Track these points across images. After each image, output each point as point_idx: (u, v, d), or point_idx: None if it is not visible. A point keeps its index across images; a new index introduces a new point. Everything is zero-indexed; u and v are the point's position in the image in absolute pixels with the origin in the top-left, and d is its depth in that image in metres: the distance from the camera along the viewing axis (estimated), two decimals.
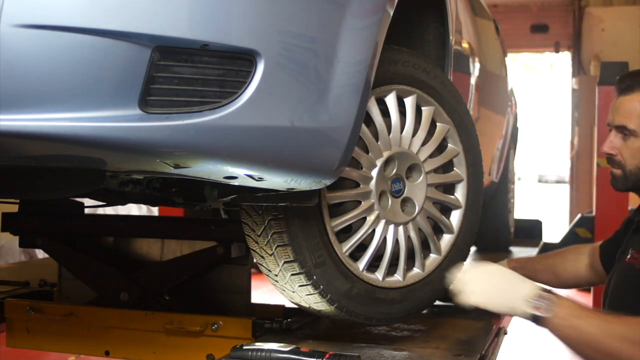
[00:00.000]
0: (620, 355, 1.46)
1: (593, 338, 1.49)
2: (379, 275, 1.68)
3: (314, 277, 1.56)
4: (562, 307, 1.52)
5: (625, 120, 1.89)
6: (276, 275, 1.60)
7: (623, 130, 1.90)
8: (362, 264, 1.65)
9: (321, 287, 1.58)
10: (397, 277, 1.73)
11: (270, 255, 1.57)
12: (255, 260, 1.68)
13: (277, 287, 1.66)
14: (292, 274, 1.57)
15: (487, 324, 2.02)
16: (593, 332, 1.49)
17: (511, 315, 1.69)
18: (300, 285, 1.58)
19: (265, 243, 1.56)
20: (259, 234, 1.56)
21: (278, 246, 1.54)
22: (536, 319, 1.54)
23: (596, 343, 1.48)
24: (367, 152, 1.64)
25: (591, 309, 1.57)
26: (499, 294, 1.60)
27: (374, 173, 1.65)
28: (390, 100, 1.69)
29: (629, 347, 1.45)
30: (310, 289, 1.58)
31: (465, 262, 1.78)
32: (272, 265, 1.59)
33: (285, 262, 1.56)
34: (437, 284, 1.81)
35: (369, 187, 1.64)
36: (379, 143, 1.66)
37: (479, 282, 1.64)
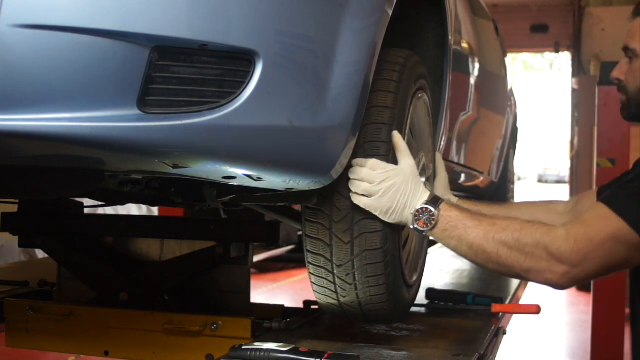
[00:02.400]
0: (499, 260, 1.49)
1: (471, 248, 1.51)
2: (407, 270, 1.71)
3: (388, 267, 1.55)
4: (443, 219, 1.52)
5: (629, 39, 1.82)
6: (338, 267, 1.56)
7: (628, 52, 1.83)
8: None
9: (390, 278, 1.57)
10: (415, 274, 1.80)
11: (347, 243, 1.53)
12: (306, 249, 1.59)
13: (321, 281, 1.61)
14: (368, 264, 1.54)
15: (486, 324, 2.03)
16: (472, 241, 1.50)
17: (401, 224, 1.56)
18: (370, 276, 1.55)
19: (344, 230, 1.52)
20: (337, 220, 1.52)
21: (365, 233, 1.52)
22: (419, 232, 1.55)
23: (475, 253, 1.51)
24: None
25: (474, 216, 1.54)
26: (395, 202, 1.50)
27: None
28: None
29: (504, 252, 1.48)
30: (381, 279, 1.56)
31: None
32: (341, 255, 1.54)
33: (366, 250, 1.52)
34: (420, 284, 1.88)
35: None
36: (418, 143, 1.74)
37: (381, 183, 1.49)
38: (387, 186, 1.49)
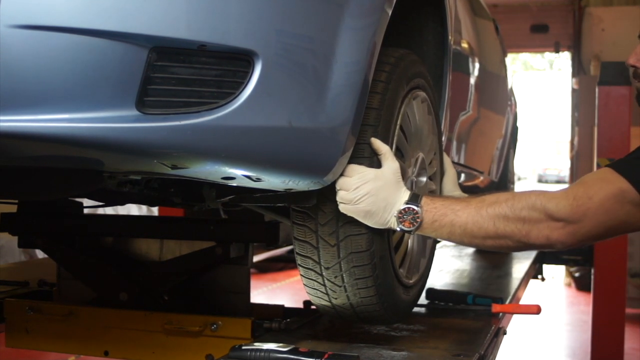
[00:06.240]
0: (497, 232, 1.47)
1: (466, 229, 1.48)
2: (403, 271, 1.71)
3: (377, 270, 1.55)
4: (428, 212, 1.50)
5: None
6: (327, 269, 1.56)
7: None
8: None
9: (379, 280, 1.56)
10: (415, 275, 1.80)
11: (333, 246, 1.53)
12: (296, 252, 1.59)
13: (312, 283, 1.61)
14: (356, 266, 1.53)
15: (487, 324, 2.03)
16: (465, 221, 1.48)
17: (385, 229, 1.53)
18: (359, 279, 1.55)
19: (329, 233, 1.52)
20: (323, 222, 1.52)
21: (350, 236, 1.51)
22: (407, 232, 1.52)
23: (471, 232, 1.49)
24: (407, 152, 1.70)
25: (460, 199, 1.53)
26: (374, 206, 1.48)
27: (410, 172, 1.72)
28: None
29: (500, 223, 1.46)
30: (369, 281, 1.55)
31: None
32: (328, 257, 1.54)
33: (352, 253, 1.52)
34: (422, 285, 1.88)
35: (407, 185, 1.68)
36: (413, 143, 1.73)
37: (357, 189, 1.46)
38: (364, 192, 1.46)
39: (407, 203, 1.50)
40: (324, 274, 1.57)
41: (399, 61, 1.61)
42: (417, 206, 1.50)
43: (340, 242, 1.52)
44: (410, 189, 1.72)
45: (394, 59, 1.60)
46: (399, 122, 1.60)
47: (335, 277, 1.56)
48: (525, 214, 1.45)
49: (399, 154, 1.63)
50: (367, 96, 1.47)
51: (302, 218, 1.54)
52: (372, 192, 1.47)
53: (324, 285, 1.59)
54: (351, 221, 1.50)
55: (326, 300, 1.63)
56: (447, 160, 1.98)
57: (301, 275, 1.62)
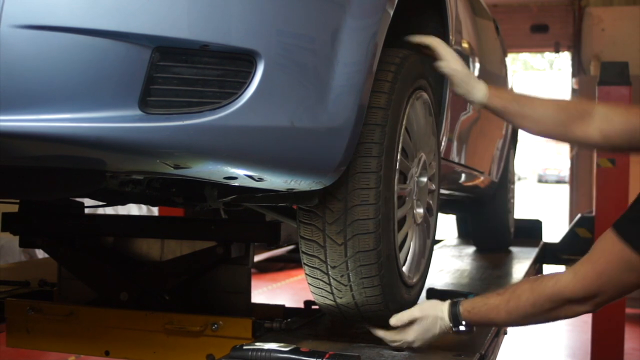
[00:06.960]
0: (531, 322, 1.64)
1: (505, 323, 1.71)
2: (405, 270, 1.72)
3: (383, 269, 1.55)
4: (471, 316, 1.63)
5: None
6: (333, 268, 1.56)
7: None
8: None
9: (385, 280, 1.56)
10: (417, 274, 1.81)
11: (341, 244, 1.53)
12: (301, 250, 1.60)
13: (317, 282, 1.62)
14: (362, 265, 1.54)
15: None
16: (502, 321, 1.64)
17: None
18: (365, 278, 1.55)
19: (337, 232, 1.52)
20: (330, 221, 1.52)
21: (357, 234, 1.51)
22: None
23: (510, 324, 1.72)
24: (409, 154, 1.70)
25: (490, 300, 1.64)
26: (429, 330, 1.65)
27: (413, 171, 1.73)
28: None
29: (531, 319, 1.62)
30: (375, 280, 1.56)
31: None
32: (335, 256, 1.54)
33: (359, 252, 1.52)
34: (422, 285, 1.89)
35: (410, 184, 1.70)
36: (415, 143, 1.74)
37: (414, 333, 1.65)
38: (417, 332, 1.64)
39: (450, 320, 1.64)
40: (330, 272, 1.57)
41: (403, 61, 1.61)
42: (458, 311, 1.64)
43: (348, 240, 1.51)
44: (413, 188, 1.73)
45: (399, 59, 1.60)
46: (404, 122, 1.60)
47: (342, 276, 1.56)
48: (548, 306, 1.56)
49: (404, 154, 1.63)
50: (372, 96, 1.47)
51: (309, 217, 1.54)
52: (422, 328, 1.64)
53: (330, 284, 1.59)
54: (359, 219, 1.50)
55: (330, 300, 1.63)
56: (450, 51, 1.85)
57: (306, 274, 1.62)
